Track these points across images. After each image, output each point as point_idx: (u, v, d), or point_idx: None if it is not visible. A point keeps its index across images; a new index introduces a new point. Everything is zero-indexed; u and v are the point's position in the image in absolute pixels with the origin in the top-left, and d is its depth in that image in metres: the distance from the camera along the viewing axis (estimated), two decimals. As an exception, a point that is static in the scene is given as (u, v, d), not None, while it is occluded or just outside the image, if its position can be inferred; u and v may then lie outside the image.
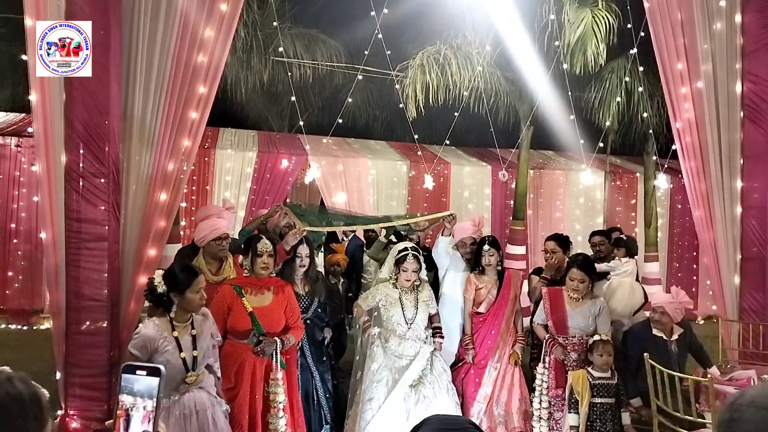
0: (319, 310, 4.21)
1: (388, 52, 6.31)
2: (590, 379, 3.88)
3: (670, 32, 4.84)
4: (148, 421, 1.27)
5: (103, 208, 3.79)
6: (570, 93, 6.17)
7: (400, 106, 7.16)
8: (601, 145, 7.58)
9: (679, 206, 10.20)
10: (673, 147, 5.09)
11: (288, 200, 8.47)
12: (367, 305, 4.25)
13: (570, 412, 3.91)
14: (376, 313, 4.28)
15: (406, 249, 4.16)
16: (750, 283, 5.02)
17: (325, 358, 4.23)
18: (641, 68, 5.68)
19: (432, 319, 4.30)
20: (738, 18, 4.81)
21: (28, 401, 1.13)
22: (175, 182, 4.08)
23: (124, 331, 4.07)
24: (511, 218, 9.05)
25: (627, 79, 6.38)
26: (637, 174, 10.05)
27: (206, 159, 8.40)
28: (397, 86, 7.10)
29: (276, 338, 3.52)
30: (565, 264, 4.60)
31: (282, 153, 8.71)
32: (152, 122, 3.90)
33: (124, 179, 3.91)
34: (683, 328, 4.22)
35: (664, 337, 4.13)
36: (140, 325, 2.97)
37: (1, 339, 7.01)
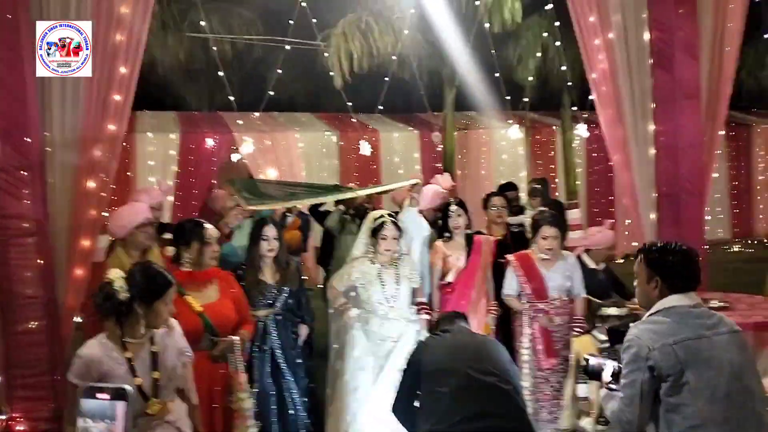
0: (291, 301, 3.73)
1: (314, 20, 6.24)
2: (598, 344, 3.52)
3: (582, -14, 5.05)
4: None
5: (28, 201, 3.61)
6: (493, 51, 6.35)
7: (331, 74, 7.10)
8: (526, 100, 7.87)
9: (594, 155, 10.81)
10: (591, 98, 5.35)
11: (214, 181, 8.28)
12: (342, 285, 3.86)
13: (579, 382, 3.56)
14: (354, 293, 3.88)
15: (382, 216, 3.80)
16: (665, 219, 5.42)
17: (300, 360, 3.75)
18: (557, 23, 5.92)
19: (415, 293, 3.96)
20: (642, -31, 5.08)
21: None
22: (103, 170, 3.92)
23: (64, 327, 3.92)
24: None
25: (545, 35, 6.63)
26: (554, 127, 10.54)
27: (125, 144, 8.03)
28: (326, 54, 7.03)
29: (232, 337, 3.06)
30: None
31: (206, 132, 8.48)
32: (74, 108, 3.72)
33: (49, 170, 3.72)
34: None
35: (596, 268, 4.38)
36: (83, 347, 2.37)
37: None
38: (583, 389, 3.50)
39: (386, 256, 3.77)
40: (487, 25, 6.41)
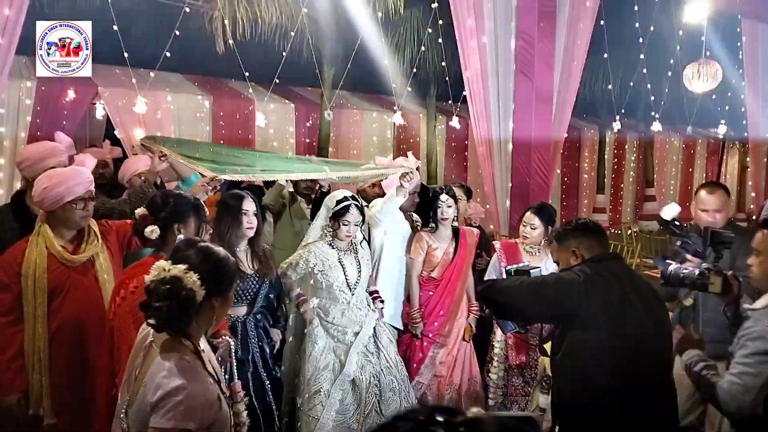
0: (271, 296, 3.25)
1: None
2: None
3: (463, -10, 5.58)
4: None
5: None
6: (384, 37, 6.72)
7: (228, 39, 6.95)
8: (394, 86, 8.34)
9: (453, 144, 11.77)
10: (464, 93, 5.95)
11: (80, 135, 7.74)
12: (297, 273, 3.49)
13: (542, 393, 3.50)
14: (312, 281, 3.55)
15: (346, 198, 3.47)
16: (517, 206, 6.21)
17: (275, 371, 3.31)
18: (440, 22, 6.43)
19: (368, 281, 3.71)
20: (514, -17, 5.72)
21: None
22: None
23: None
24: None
25: (430, 30, 7.13)
26: (421, 115, 11.26)
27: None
28: (215, 15, 6.88)
29: (225, 338, 2.48)
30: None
31: (66, 83, 7.84)
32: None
33: None
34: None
35: None
36: (160, 377, 1.62)
37: None
38: (544, 400, 3.39)
39: (346, 242, 3.53)
40: (379, 14, 6.74)
